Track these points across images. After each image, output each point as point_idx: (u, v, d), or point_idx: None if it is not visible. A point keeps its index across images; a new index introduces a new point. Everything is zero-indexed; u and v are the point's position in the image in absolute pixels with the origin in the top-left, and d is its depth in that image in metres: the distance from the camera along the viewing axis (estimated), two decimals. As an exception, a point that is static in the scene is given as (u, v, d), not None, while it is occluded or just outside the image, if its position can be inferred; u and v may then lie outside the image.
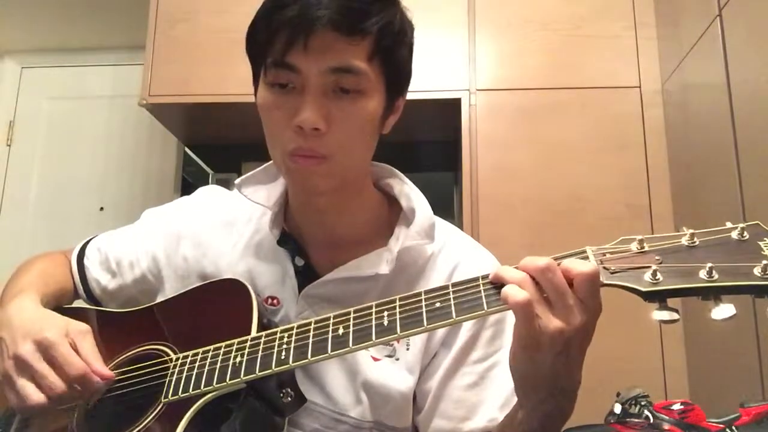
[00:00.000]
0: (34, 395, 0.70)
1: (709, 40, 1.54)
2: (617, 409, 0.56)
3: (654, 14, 1.92)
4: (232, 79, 1.93)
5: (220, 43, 1.99)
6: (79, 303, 0.95)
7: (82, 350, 0.73)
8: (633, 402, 0.55)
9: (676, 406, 0.53)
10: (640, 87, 1.88)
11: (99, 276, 0.95)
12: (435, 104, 1.91)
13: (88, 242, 0.99)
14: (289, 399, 0.72)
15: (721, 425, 0.51)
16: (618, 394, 0.58)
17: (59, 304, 0.90)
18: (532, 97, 1.91)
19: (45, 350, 0.72)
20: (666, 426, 0.53)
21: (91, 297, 0.95)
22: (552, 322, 0.57)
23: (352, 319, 0.65)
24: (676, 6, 1.79)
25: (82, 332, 0.75)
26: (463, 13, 1.98)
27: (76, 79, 2.89)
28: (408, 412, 0.80)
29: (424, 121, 2.02)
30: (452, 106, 1.93)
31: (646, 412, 0.54)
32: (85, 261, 0.96)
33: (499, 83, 1.93)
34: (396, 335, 0.62)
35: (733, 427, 0.51)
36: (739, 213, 1.36)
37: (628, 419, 0.54)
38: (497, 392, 0.77)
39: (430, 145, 2.15)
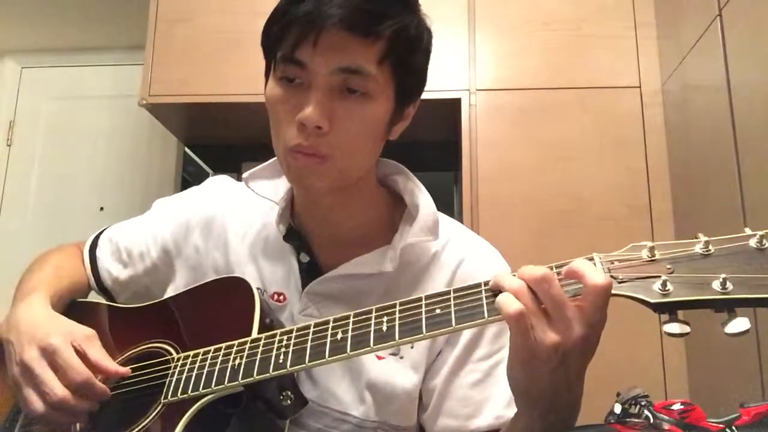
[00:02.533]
0: (36, 402, 0.70)
1: (709, 40, 1.54)
2: (617, 409, 0.56)
3: (654, 14, 1.92)
4: (232, 79, 1.92)
5: (220, 43, 1.98)
6: (92, 296, 0.95)
7: (90, 355, 0.73)
8: (633, 402, 0.55)
9: (676, 406, 0.53)
10: (640, 87, 1.88)
11: (110, 266, 0.94)
12: (435, 104, 1.90)
13: (101, 233, 0.98)
14: (289, 402, 0.72)
15: (721, 425, 0.51)
16: (618, 394, 0.57)
17: (74, 298, 0.90)
18: (532, 97, 1.91)
19: (50, 356, 0.72)
20: (666, 426, 0.53)
21: (102, 288, 0.95)
22: (548, 336, 0.55)
23: (351, 324, 0.65)
24: (676, 6, 1.79)
25: (89, 337, 0.75)
26: (463, 13, 1.98)
27: (76, 79, 2.88)
28: (413, 411, 0.79)
29: (424, 121, 2.01)
30: (452, 106, 1.92)
31: (646, 412, 0.54)
32: (97, 251, 0.95)
33: (499, 83, 1.93)
34: (394, 342, 0.61)
35: (733, 427, 0.51)
36: (739, 213, 1.36)
37: (628, 419, 0.54)
38: (503, 389, 0.76)
39: (430, 145, 2.14)
